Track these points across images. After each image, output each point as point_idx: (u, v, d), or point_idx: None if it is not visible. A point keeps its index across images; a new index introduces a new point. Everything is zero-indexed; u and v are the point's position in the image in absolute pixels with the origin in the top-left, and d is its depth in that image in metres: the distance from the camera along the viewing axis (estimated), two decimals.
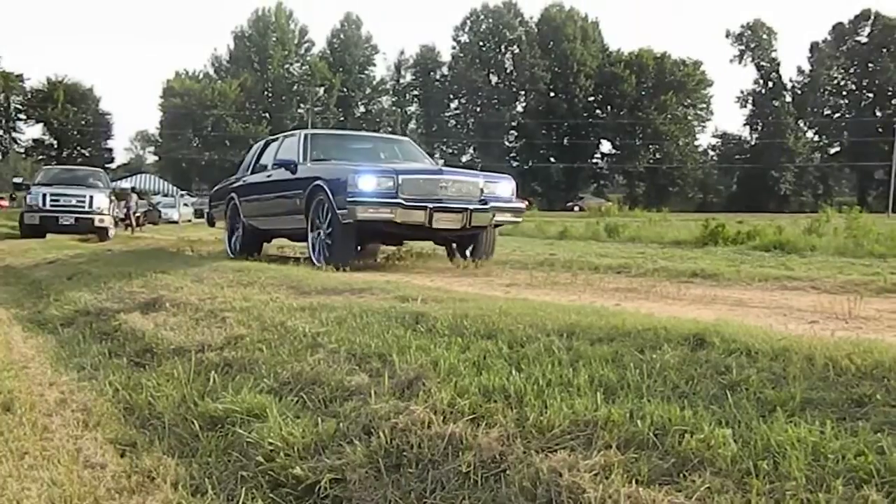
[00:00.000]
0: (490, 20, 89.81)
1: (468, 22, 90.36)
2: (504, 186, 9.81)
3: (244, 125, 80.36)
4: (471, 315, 4.37)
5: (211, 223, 14.93)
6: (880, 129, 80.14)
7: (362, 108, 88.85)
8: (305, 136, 11.33)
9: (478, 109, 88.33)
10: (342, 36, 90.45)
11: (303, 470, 2.87)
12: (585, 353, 3.41)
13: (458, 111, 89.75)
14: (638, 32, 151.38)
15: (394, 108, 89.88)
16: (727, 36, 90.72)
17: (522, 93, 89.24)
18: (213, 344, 4.76)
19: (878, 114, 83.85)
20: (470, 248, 10.27)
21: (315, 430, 3.13)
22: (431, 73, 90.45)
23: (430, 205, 9.02)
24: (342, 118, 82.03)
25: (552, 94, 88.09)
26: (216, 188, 15.00)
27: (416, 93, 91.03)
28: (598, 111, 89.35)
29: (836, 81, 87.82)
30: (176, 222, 43.45)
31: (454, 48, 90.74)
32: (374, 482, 2.73)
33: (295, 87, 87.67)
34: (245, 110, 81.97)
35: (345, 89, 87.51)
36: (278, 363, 4.07)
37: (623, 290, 7.15)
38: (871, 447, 2.16)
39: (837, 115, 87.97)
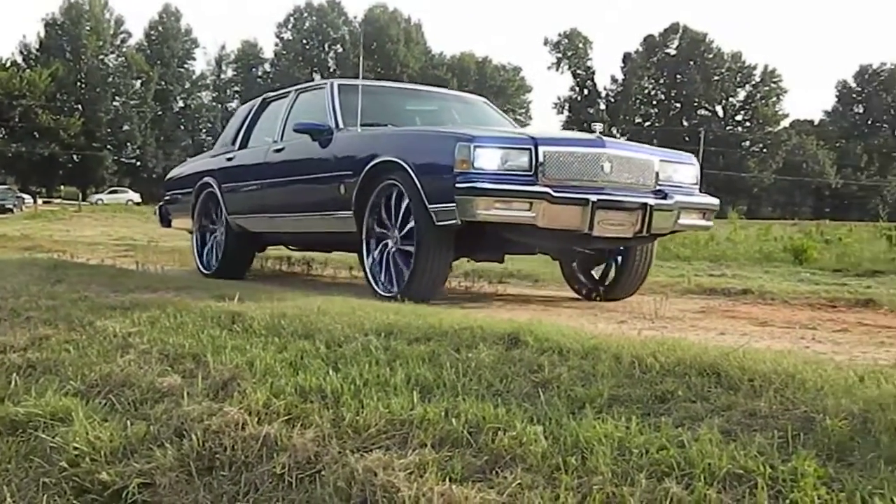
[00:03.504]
0: (314, 18, 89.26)
1: (291, 19, 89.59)
2: (687, 170, 6.33)
3: (55, 116, 76.67)
4: (288, 314, 4.33)
5: (166, 222, 10.08)
6: (687, 138, 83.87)
7: (181, 103, 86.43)
8: (339, 87, 7.32)
9: None
10: (160, 28, 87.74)
11: (109, 475, 2.77)
12: (403, 353, 3.42)
13: None
14: (460, 36, 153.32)
15: (214, 103, 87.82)
16: (545, 44, 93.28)
17: None
18: (15, 345, 4.51)
19: (685, 123, 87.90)
20: (603, 269, 6.94)
21: (124, 433, 3.03)
22: (253, 70, 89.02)
23: (593, 197, 5.58)
24: (160, 112, 79.67)
25: None
26: (173, 173, 10.44)
27: (237, 89, 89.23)
28: None
29: (646, 91, 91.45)
30: None
31: (277, 45, 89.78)
32: (185, 486, 2.66)
33: (110, 79, 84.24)
34: (56, 101, 78.22)
35: (163, 83, 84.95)
36: (86, 364, 3.90)
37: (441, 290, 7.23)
38: (672, 441, 2.25)
39: (648, 123, 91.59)
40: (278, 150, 7.65)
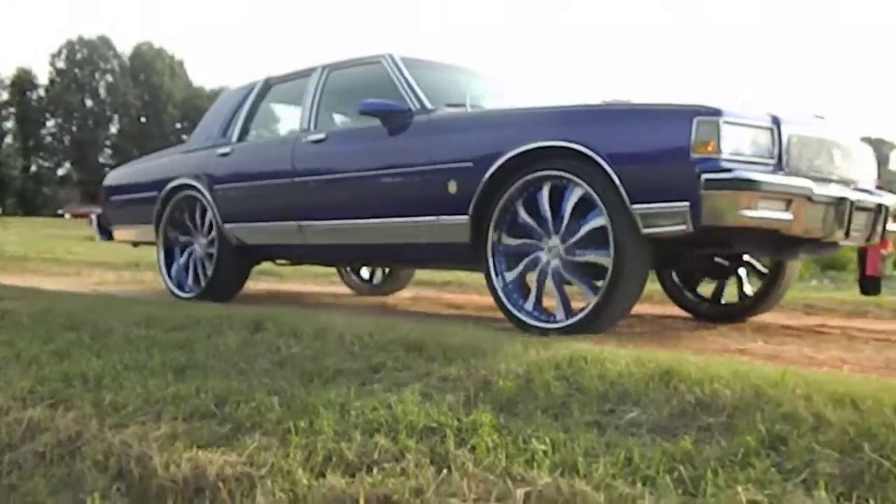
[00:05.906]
0: (85, 50, 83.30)
1: (64, 50, 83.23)
2: (871, 161, 4.09)
3: None
4: (57, 310, 4.04)
5: (106, 234, 6.64)
6: None
7: None
8: (405, 61, 4.73)
9: (74, 128, 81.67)
10: None
11: None
12: (161, 340, 3.29)
13: (54, 129, 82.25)
14: (219, 71, 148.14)
15: None
16: None
17: (116, 116, 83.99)
18: None
19: None
20: (739, 286, 4.58)
21: None
22: (28, 93, 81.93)
23: (852, 196, 3.57)
24: None
25: (143, 119, 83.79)
26: (119, 176, 6.81)
27: (13, 110, 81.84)
28: (184, 135, 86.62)
29: None
30: None
31: (51, 73, 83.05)
32: None
33: None
34: None
35: None
36: None
37: None
38: (382, 403, 2.28)
39: None
40: (317, 141, 4.95)
